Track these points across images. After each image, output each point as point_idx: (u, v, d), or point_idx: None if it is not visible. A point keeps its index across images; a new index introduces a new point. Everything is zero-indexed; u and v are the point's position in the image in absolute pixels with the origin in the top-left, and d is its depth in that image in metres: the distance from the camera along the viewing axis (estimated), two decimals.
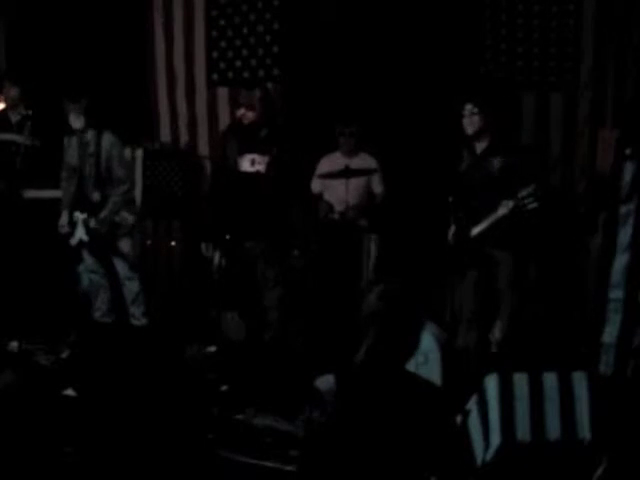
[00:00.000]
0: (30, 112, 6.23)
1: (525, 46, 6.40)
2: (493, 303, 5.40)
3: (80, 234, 6.06)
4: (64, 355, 5.76)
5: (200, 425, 4.57)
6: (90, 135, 5.98)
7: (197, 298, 6.47)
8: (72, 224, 6.08)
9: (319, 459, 3.00)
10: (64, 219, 6.10)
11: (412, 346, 3.10)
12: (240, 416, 4.48)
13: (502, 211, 5.12)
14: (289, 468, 4.09)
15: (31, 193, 6.26)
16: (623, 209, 5.05)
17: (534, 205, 5.03)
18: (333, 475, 2.96)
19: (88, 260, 6.18)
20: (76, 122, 5.95)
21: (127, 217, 6.05)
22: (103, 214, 5.96)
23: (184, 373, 5.40)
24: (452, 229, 5.39)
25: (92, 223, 5.98)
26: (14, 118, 6.43)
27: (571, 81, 6.31)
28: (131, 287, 6.17)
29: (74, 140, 6.05)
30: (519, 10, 6.39)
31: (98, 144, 5.96)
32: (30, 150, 6.20)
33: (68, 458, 4.29)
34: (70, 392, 5.03)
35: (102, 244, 6.08)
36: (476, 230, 5.25)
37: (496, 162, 5.19)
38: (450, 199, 5.81)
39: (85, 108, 5.92)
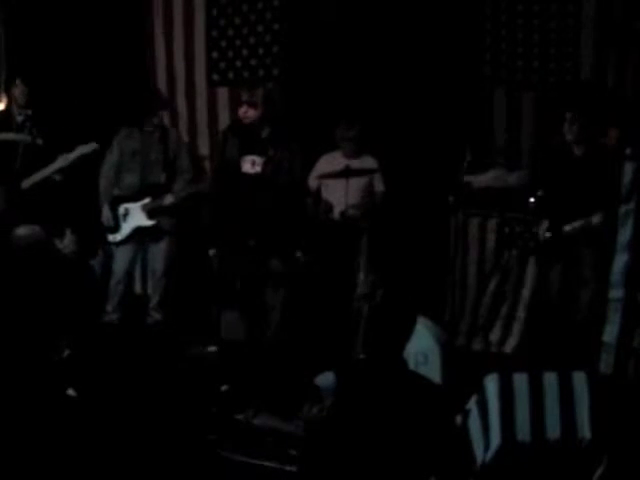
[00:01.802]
0: (30, 112, 6.23)
1: (525, 46, 6.40)
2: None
3: (137, 221, 6.08)
4: (64, 355, 5.75)
5: (200, 425, 4.57)
6: (155, 128, 6.20)
7: (197, 298, 6.47)
8: (115, 218, 6.13)
9: (319, 459, 3.00)
10: (108, 212, 6.15)
11: (405, 330, 3.11)
12: (240, 416, 4.48)
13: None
14: (289, 468, 4.09)
15: (27, 182, 6.23)
16: (623, 209, 5.05)
17: None
18: (333, 475, 2.96)
19: (120, 260, 6.22)
20: (150, 121, 6.17)
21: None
22: (177, 188, 6.08)
23: (184, 373, 5.39)
24: (544, 223, 5.41)
25: (168, 199, 6.02)
26: (19, 118, 6.42)
27: (571, 81, 6.30)
28: (159, 283, 6.24)
29: (135, 131, 6.20)
30: (519, 10, 6.39)
31: (164, 134, 6.18)
32: (31, 150, 6.21)
33: (68, 457, 4.29)
34: (70, 392, 5.03)
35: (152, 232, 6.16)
36: (569, 227, 5.34)
37: (594, 166, 5.27)
38: (450, 199, 5.84)
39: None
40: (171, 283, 6.36)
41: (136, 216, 6.09)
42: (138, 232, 6.13)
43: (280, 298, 5.80)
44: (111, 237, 6.17)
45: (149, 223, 6.09)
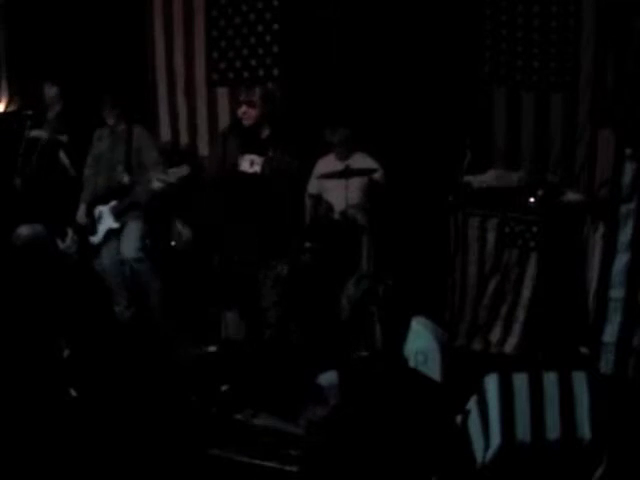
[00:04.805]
0: (30, 112, 6.29)
1: (525, 46, 6.40)
2: None
3: (108, 224, 6.19)
4: (64, 355, 5.76)
5: (200, 425, 4.57)
6: (121, 127, 6.26)
7: (197, 297, 6.48)
8: (92, 221, 6.24)
9: (320, 459, 3.00)
10: (82, 212, 6.29)
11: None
12: (240, 416, 4.48)
13: None
14: (289, 468, 4.09)
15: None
16: (623, 209, 5.07)
17: None
18: (334, 475, 2.96)
19: (105, 260, 6.28)
20: (111, 119, 6.25)
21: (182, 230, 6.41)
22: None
23: (183, 373, 5.40)
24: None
25: (183, 170, 5.88)
26: (50, 116, 6.59)
27: (571, 81, 6.31)
28: (155, 285, 6.30)
29: (106, 131, 6.31)
30: (519, 10, 6.39)
31: (129, 133, 6.22)
32: (49, 147, 6.31)
33: (68, 457, 4.30)
34: (70, 392, 5.03)
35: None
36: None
37: None
38: (450, 199, 5.84)
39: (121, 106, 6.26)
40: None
41: (107, 219, 6.22)
42: (110, 234, 6.23)
43: (279, 298, 5.80)
44: (91, 239, 6.29)
45: (116, 225, 6.20)
